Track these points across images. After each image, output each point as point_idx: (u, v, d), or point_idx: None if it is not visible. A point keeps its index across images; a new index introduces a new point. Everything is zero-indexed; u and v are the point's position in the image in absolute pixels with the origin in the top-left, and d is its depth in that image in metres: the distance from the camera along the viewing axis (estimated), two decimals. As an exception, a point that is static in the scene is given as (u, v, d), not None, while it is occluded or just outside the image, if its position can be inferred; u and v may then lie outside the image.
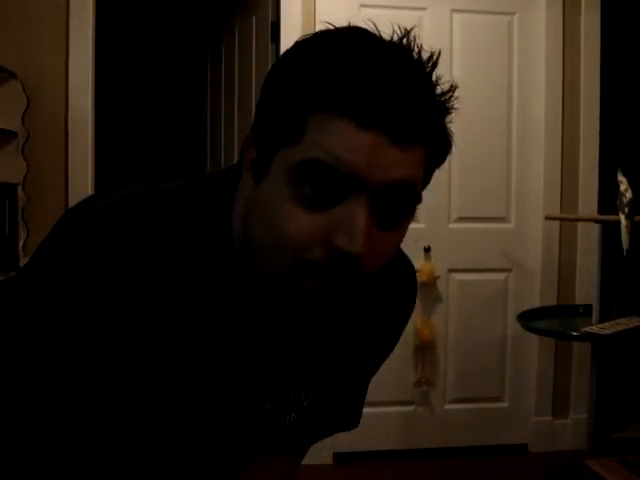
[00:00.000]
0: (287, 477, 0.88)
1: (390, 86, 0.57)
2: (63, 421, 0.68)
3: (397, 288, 0.84)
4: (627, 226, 2.14)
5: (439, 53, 0.62)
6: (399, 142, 0.57)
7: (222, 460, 0.80)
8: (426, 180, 0.65)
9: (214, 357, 0.69)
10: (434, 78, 0.61)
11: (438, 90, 0.61)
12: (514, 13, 2.80)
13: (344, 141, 0.57)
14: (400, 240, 0.65)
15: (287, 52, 0.63)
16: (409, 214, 0.63)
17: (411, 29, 0.61)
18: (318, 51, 0.60)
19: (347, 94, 0.57)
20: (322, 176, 0.58)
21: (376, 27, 0.62)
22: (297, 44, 0.62)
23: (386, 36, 0.61)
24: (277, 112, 0.61)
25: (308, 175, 0.58)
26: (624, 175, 2.23)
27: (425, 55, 0.61)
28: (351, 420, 0.90)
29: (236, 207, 0.68)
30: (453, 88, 0.62)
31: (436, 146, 0.62)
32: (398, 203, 0.61)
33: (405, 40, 0.61)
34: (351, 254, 0.57)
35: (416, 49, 0.61)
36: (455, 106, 0.63)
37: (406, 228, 0.65)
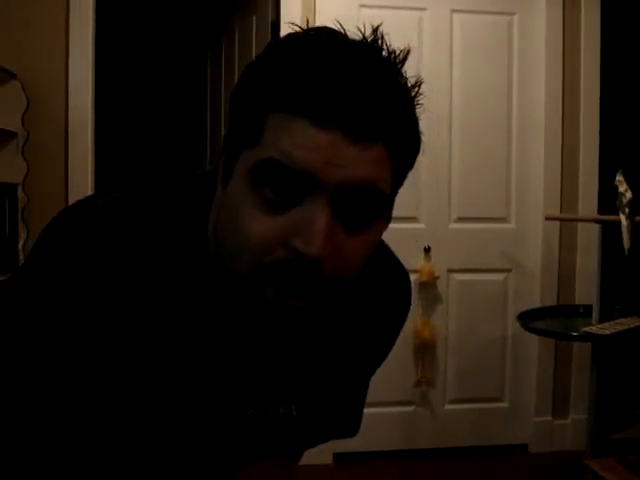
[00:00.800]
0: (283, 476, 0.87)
1: (346, 83, 0.55)
2: (49, 423, 0.68)
3: (389, 295, 0.82)
4: (628, 226, 2.14)
5: (407, 52, 0.60)
6: (357, 140, 0.55)
7: (212, 465, 0.79)
8: (398, 181, 0.63)
9: (191, 360, 0.68)
10: (398, 76, 0.59)
11: (401, 87, 0.59)
12: (514, 13, 2.80)
13: (299, 140, 0.55)
14: (371, 244, 0.62)
15: (257, 56, 0.62)
16: (377, 216, 0.61)
17: (377, 27, 0.59)
18: (279, 53, 0.59)
19: (302, 92, 0.55)
20: (279, 177, 0.56)
21: (373, 27, 0.60)
22: (266, 48, 0.62)
23: (358, 36, 0.60)
24: (239, 114, 0.61)
25: (266, 177, 0.57)
26: (624, 176, 2.23)
27: (390, 53, 0.59)
28: (349, 427, 0.89)
29: (211, 211, 0.67)
30: (418, 84, 0.60)
31: (401, 144, 0.60)
32: (363, 205, 0.58)
33: (370, 39, 0.59)
34: (309, 256, 0.55)
35: (384, 47, 0.59)
36: (420, 102, 0.61)
37: (378, 231, 0.63)
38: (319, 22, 2.77)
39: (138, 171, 4.04)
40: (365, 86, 0.56)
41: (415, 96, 0.60)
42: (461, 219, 2.81)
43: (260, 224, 0.57)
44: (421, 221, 2.76)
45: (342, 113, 0.55)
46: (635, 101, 2.88)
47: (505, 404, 2.89)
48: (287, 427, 0.78)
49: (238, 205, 0.59)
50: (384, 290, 0.81)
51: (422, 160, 2.58)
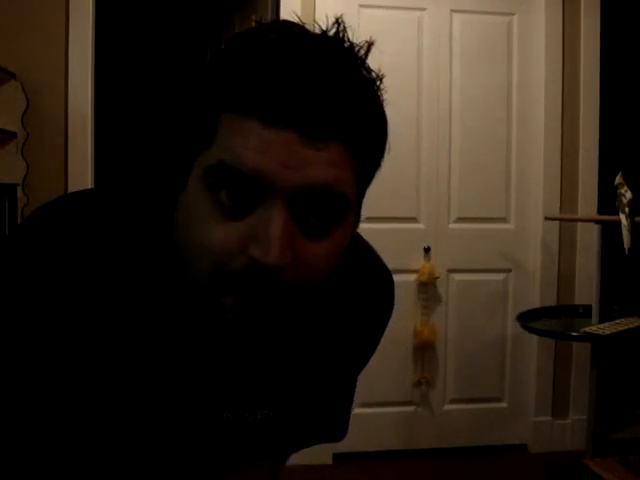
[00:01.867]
0: None
1: (297, 79, 0.52)
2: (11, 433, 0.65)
3: (371, 296, 0.79)
4: (628, 226, 2.14)
5: (370, 44, 0.57)
6: (312, 139, 0.52)
7: (193, 471, 0.77)
8: (363, 181, 0.60)
9: (158, 365, 0.65)
10: (359, 70, 0.56)
11: (362, 82, 0.56)
12: (514, 13, 2.80)
13: (250, 142, 0.52)
14: (337, 248, 0.59)
15: (212, 54, 0.59)
16: (340, 219, 0.57)
17: (338, 18, 0.57)
18: (230, 50, 0.56)
19: (250, 90, 0.52)
20: (234, 181, 0.53)
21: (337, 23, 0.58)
22: (224, 44, 0.58)
23: (325, 29, 0.57)
24: (191, 116, 0.58)
25: (221, 181, 0.54)
26: (624, 177, 2.24)
27: (351, 46, 0.56)
28: (335, 431, 0.86)
29: (175, 213, 0.64)
30: (379, 78, 0.57)
31: (363, 142, 0.56)
32: (323, 208, 0.55)
33: (332, 32, 0.56)
34: (265, 265, 0.52)
35: (345, 41, 0.56)
36: (383, 98, 0.58)
37: (343, 234, 0.59)
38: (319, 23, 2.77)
39: (138, 171, 4.04)
40: (319, 81, 0.52)
41: (378, 90, 0.57)
42: (461, 219, 2.81)
43: (217, 231, 0.54)
44: (421, 221, 2.76)
45: (294, 111, 0.51)
46: (635, 101, 2.88)
47: (504, 404, 2.89)
48: (267, 432, 0.76)
49: (195, 210, 0.56)
50: (365, 291, 0.78)
51: (422, 160, 2.60)
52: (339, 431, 0.87)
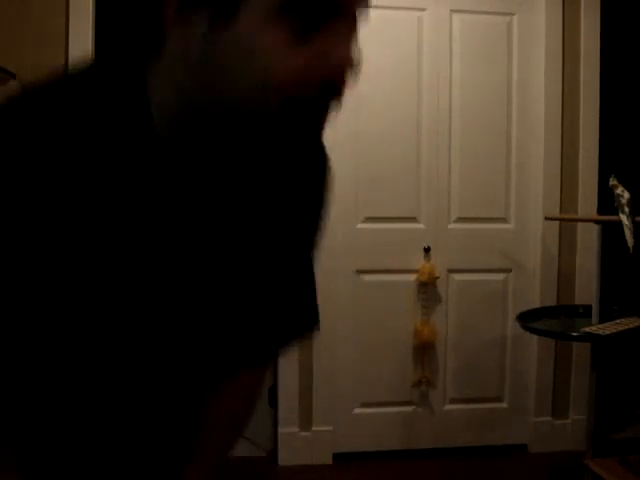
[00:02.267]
0: (254, 397, 0.85)
1: None
2: None
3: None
4: (630, 225, 2.14)
5: None
6: None
7: (176, 385, 0.73)
8: None
9: (129, 260, 0.62)
10: None
11: None
12: (513, 13, 2.81)
13: None
14: None
15: None
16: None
17: None
18: None
19: None
20: (306, 3, 0.54)
21: None
22: None
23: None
24: None
25: (291, 5, 0.54)
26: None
27: None
28: (307, 317, 0.84)
29: (159, 80, 0.62)
30: None
31: None
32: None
33: None
34: (344, 64, 0.56)
35: None
36: None
37: None
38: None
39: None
40: None
41: None
42: (461, 219, 2.81)
43: (289, 56, 0.55)
44: (421, 221, 2.76)
45: None
46: (635, 101, 2.88)
47: (505, 404, 2.89)
48: (243, 330, 0.75)
49: (257, 41, 0.55)
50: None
51: (422, 160, 2.60)
52: (311, 314, 0.84)
